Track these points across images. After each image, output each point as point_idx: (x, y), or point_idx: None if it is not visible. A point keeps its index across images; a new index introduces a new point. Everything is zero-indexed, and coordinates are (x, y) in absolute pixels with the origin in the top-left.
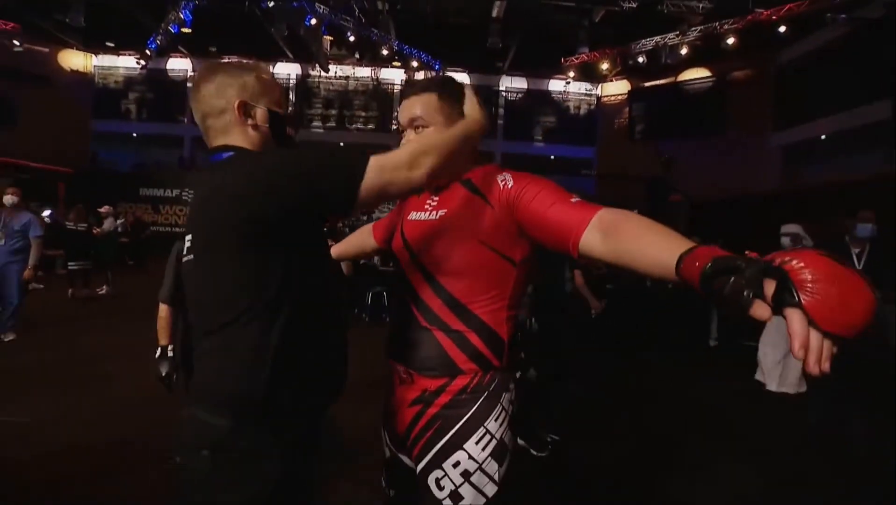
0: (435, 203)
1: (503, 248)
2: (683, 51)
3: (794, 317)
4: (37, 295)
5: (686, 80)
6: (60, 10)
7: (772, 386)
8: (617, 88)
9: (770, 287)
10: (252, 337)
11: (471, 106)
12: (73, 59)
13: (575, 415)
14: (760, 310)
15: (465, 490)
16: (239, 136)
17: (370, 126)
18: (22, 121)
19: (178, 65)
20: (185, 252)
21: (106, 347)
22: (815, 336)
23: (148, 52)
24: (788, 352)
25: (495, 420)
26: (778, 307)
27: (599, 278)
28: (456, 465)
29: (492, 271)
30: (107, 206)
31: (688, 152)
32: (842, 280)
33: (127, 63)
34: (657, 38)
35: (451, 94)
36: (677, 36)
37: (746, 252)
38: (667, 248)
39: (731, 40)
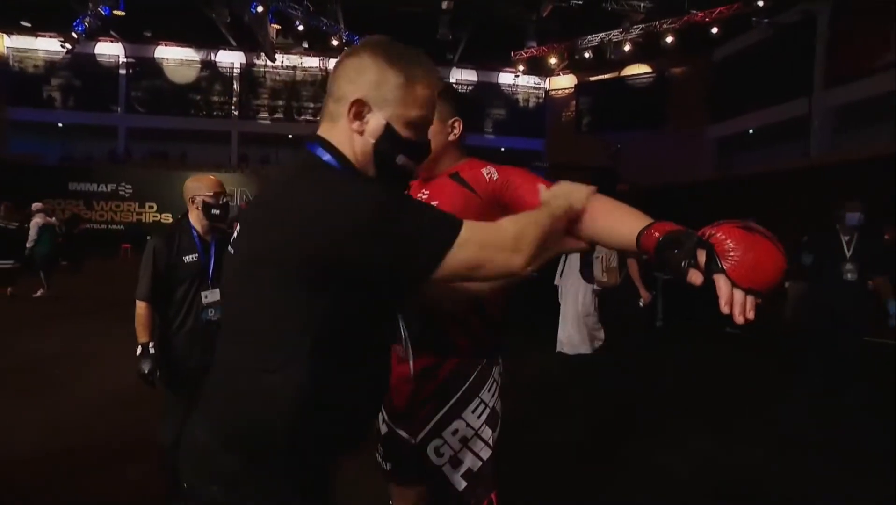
0: (426, 195)
1: None
2: (627, 47)
3: (720, 281)
4: None
5: (629, 75)
6: None
7: (569, 350)
8: (564, 82)
9: (702, 257)
10: (292, 381)
11: (575, 188)
12: None
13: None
14: (694, 277)
15: (464, 455)
16: (342, 135)
17: (319, 117)
18: None
19: (109, 49)
20: (233, 241)
21: (51, 351)
22: (737, 293)
23: (74, 34)
24: (574, 319)
25: (488, 391)
26: (708, 273)
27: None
28: (454, 432)
29: None
30: (38, 203)
31: (632, 144)
32: (755, 246)
33: (48, 45)
34: (602, 35)
35: (443, 93)
36: (621, 33)
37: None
38: (629, 224)
39: (669, 39)
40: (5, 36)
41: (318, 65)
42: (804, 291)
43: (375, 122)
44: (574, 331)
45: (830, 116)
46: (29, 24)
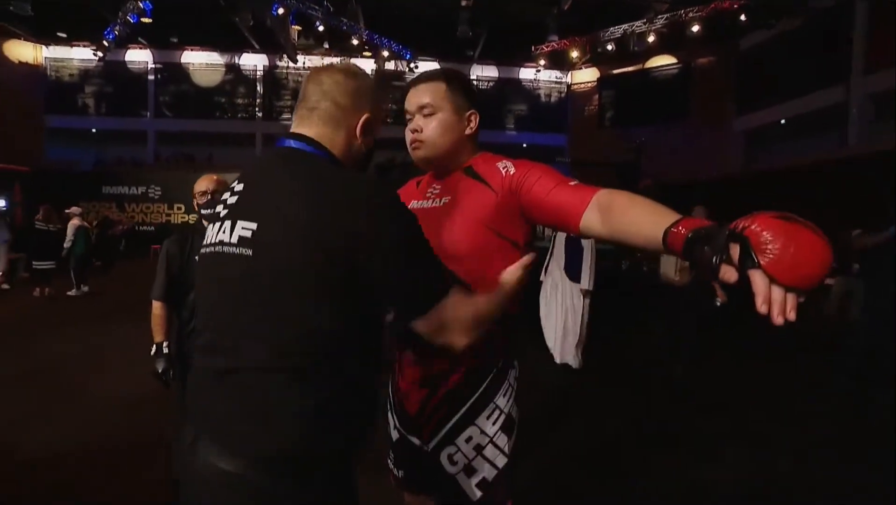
0: (438, 191)
1: (506, 232)
2: (650, 38)
3: (755, 278)
4: (2, 297)
5: (653, 67)
6: None
7: (557, 358)
8: (586, 76)
9: (735, 252)
10: (324, 387)
11: (513, 275)
12: (22, 51)
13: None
14: (728, 274)
15: (479, 463)
16: (342, 139)
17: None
18: None
19: (138, 56)
20: (229, 241)
21: (80, 348)
22: (776, 291)
23: (106, 42)
24: (564, 326)
25: (503, 396)
26: (742, 270)
27: None
28: (468, 440)
29: (497, 253)
30: (74, 207)
31: (656, 138)
32: (796, 237)
33: (81, 55)
34: (625, 26)
35: (459, 86)
36: (644, 24)
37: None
38: (655, 221)
39: (695, 28)
40: (43, 47)
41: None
42: (850, 287)
43: (370, 138)
44: (559, 335)
45: (868, 105)
46: (64, 35)
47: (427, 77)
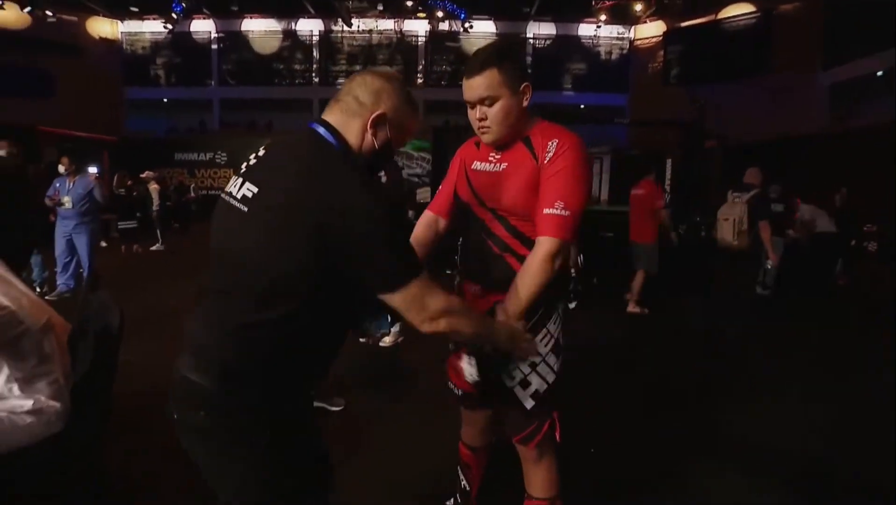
0: (498, 157)
1: None
2: None
3: None
4: (101, 253)
5: (727, 18)
6: None
7: None
8: (651, 30)
9: None
10: (280, 324)
11: (513, 335)
12: (101, 27)
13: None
14: None
15: (533, 378)
16: (356, 128)
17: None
18: (59, 91)
19: (202, 27)
20: (236, 195)
21: (172, 299)
22: None
23: (174, 15)
24: None
25: (553, 323)
26: None
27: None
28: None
29: None
30: (148, 172)
31: (727, 95)
32: None
33: (152, 28)
34: None
35: (510, 65)
36: None
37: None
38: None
39: None
40: (119, 22)
41: (392, 27)
42: None
43: (384, 134)
44: None
45: None
46: (136, 9)
47: (480, 67)
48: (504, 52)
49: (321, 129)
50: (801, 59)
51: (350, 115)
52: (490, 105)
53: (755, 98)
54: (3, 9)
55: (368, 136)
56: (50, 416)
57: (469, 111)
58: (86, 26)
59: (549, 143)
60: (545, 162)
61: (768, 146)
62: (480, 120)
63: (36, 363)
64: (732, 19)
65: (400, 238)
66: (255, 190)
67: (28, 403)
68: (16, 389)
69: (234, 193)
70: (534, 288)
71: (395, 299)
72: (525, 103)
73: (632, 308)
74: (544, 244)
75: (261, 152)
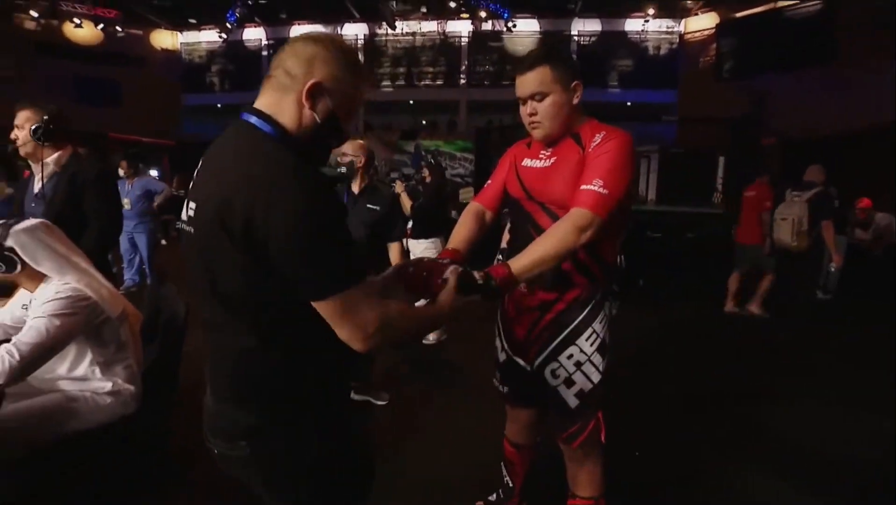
0: (548, 153)
1: None
2: None
3: None
4: (163, 251)
5: (788, 6)
6: None
7: None
8: (703, 23)
9: None
10: (272, 343)
11: (448, 296)
12: (163, 39)
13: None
14: None
15: (577, 377)
16: (291, 106)
17: (438, 81)
18: (124, 100)
19: (253, 35)
20: (184, 217)
21: None
22: None
23: (228, 24)
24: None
25: (600, 323)
26: None
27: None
28: (570, 357)
29: None
30: None
31: (785, 89)
32: None
33: (208, 37)
34: None
35: (561, 63)
36: None
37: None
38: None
39: None
40: (178, 33)
41: (435, 28)
42: None
43: (324, 106)
44: None
45: None
46: (194, 21)
47: (531, 64)
48: (557, 52)
49: (253, 119)
50: (870, 47)
51: (282, 91)
52: (540, 101)
53: (817, 91)
54: (81, 27)
55: (306, 111)
56: (126, 397)
57: (521, 107)
58: (149, 39)
59: (597, 134)
60: (590, 150)
61: (832, 142)
62: (531, 115)
63: (115, 349)
64: (793, 7)
65: (332, 238)
66: (194, 207)
67: (108, 385)
68: (98, 372)
69: (183, 218)
70: (551, 252)
71: (324, 309)
72: (576, 101)
73: (754, 309)
74: (575, 214)
75: (200, 163)
